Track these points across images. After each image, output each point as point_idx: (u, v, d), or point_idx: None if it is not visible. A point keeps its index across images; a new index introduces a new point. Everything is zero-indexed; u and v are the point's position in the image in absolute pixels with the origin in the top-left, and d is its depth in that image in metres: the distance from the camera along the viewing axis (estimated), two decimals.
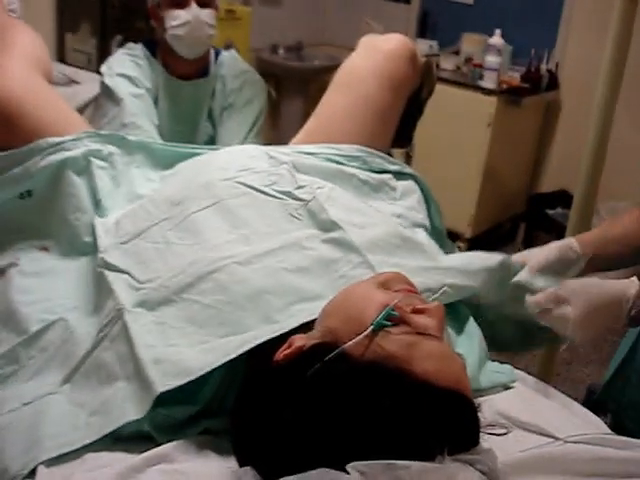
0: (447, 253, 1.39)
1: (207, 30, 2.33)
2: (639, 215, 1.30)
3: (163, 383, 0.88)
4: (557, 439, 0.91)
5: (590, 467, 0.87)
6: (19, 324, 1.12)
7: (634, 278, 1.09)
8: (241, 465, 0.81)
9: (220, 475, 0.82)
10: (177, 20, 2.27)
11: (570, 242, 1.25)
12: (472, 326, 1.14)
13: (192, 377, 0.89)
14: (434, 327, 0.82)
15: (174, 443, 0.88)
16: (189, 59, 2.38)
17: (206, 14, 2.31)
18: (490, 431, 0.87)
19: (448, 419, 0.76)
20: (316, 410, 0.75)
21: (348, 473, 0.69)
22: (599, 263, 1.26)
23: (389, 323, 0.80)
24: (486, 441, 0.82)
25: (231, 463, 0.84)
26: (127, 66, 2.35)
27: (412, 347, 0.79)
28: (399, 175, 1.50)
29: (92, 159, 1.38)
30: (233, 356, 0.89)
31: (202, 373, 0.89)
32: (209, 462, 0.86)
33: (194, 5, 2.26)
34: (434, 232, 1.46)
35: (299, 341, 0.84)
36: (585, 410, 1.05)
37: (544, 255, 1.23)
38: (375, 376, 0.76)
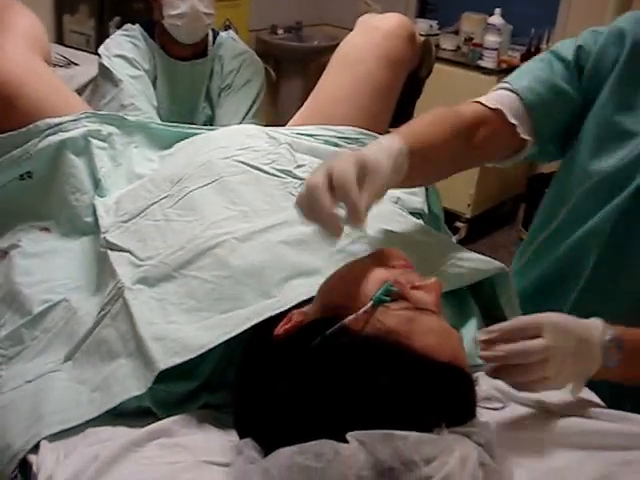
0: None
1: (205, 20, 2.33)
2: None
3: (164, 360, 0.89)
4: (553, 413, 0.92)
5: (586, 440, 0.88)
6: (22, 305, 1.13)
7: (596, 319, 0.93)
8: (241, 438, 0.82)
9: (221, 448, 0.83)
10: (175, 10, 2.28)
11: (401, 147, 0.97)
12: (470, 303, 1.15)
13: (192, 355, 0.89)
14: (432, 302, 0.83)
15: (175, 417, 0.89)
16: (187, 44, 2.38)
17: (204, 4, 2.31)
18: (487, 405, 0.89)
19: (446, 393, 0.77)
20: (316, 383, 0.76)
21: (348, 442, 0.70)
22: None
23: (388, 298, 0.81)
24: (482, 415, 0.83)
25: (232, 436, 0.85)
26: (125, 47, 2.35)
27: (411, 322, 0.80)
28: None
29: (91, 139, 1.38)
30: (232, 334, 0.90)
31: (202, 351, 0.90)
32: (209, 435, 0.87)
33: None
34: (431, 217, 1.47)
35: (298, 316, 0.85)
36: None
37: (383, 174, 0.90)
38: (375, 350, 0.77)
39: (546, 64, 1.23)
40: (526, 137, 1.20)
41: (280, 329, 0.84)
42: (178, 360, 0.89)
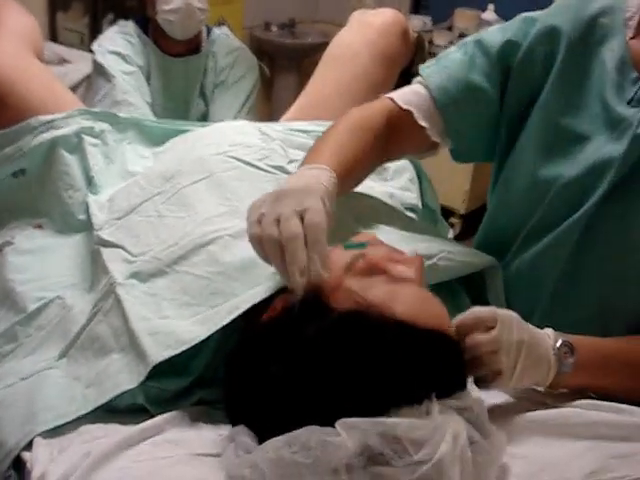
0: (440, 232, 1.39)
1: (198, 15, 2.33)
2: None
3: (157, 354, 0.89)
4: (547, 404, 0.92)
5: (586, 430, 0.87)
6: (16, 303, 1.13)
7: (548, 330, 0.92)
8: (234, 426, 0.82)
9: (213, 443, 0.83)
10: (168, 5, 2.28)
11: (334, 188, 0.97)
12: (462, 297, 1.15)
13: (186, 347, 0.89)
14: (412, 273, 0.84)
15: (168, 414, 0.88)
16: (180, 40, 2.38)
17: None
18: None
19: (433, 359, 0.78)
20: (303, 364, 0.76)
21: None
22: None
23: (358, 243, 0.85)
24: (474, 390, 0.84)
25: (225, 432, 0.85)
26: (119, 44, 2.35)
27: (392, 293, 0.81)
28: None
29: (84, 136, 1.38)
30: (223, 324, 0.90)
31: (195, 342, 0.90)
32: (202, 431, 0.87)
33: None
34: (427, 211, 1.47)
35: (280, 302, 0.85)
36: None
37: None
38: (358, 324, 0.77)
39: (468, 58, 1.14)
40: (436, 139, 1.16)
41: (265, 316, 0.84)
42: (171, 352, 0.89)
